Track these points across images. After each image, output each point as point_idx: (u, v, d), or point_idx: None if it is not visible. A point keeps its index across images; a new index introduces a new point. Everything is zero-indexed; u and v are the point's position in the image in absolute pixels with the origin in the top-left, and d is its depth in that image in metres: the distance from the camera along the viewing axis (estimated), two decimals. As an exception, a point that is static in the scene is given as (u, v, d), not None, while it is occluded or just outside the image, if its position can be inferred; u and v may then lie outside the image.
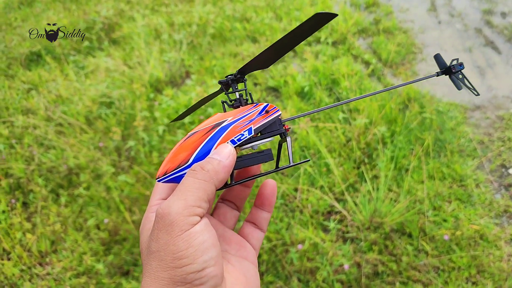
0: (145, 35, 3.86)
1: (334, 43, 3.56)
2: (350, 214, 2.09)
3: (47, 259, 2.20)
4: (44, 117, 3.05)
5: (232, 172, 0.60)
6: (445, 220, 2.00)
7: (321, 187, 2.25)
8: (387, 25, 3.70)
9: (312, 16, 0.49)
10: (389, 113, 2.52)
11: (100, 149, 2.72)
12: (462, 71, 0.77)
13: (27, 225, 2.36)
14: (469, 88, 0.77)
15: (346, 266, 1.80)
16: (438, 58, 0.79)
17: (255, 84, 3.24)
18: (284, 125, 0.63)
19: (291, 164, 0.63)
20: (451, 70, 0.76)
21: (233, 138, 0.55)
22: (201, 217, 0.48)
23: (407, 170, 2.26)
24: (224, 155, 0.53)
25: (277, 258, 1.93)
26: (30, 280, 2.11)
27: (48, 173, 2.62)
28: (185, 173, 0.55)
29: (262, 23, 3.91)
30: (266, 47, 0.56)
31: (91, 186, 2.48)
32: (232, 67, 3.39)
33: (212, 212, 0.65)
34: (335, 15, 0.51)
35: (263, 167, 2.41)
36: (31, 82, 3.55)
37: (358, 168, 2.34)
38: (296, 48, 3.58)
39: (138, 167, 2.52)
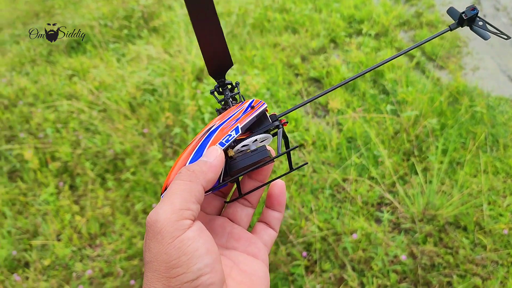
0: (184, 24, 3.87)
1: (376, 35, 3.52)
2: (401, 206, 2.07)
3: (97, 241, 2.23)
4: (88, 103, 3.09)
5: (238, 179, 0.59)
6: (501, 215, 1.96)
7: (371, 178, 2.24)
8: (429, 18, 3.64)
9: None
10: (439, 106, 2.48)
11: (145, 135, 2.75)
12: (478, 16, 0.66)
13: (75, 208, 2.39)
14: (495, 33, 0.65)
15: (403, 257, 1.79)
16: (451, 11, 0.69)
17: (296, 75, 3.23)
18: (280, 120, 0.60)
19: (290, 170, 0.62)
20: (463, 19, 0.66)
21: (221, 140, 0.53)
22: (193, 221, 0.46)
23: (458, 163, 2.23)
24: (210, 156, 0.51)
25: (330, 247, 1.92)
26: (81, 261, 2.15)
27: (94, 157, 2.65)
28: None
29: (302, 14, 3.89)
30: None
31: (137, 171, 2.50)
32: (273, 57, 3.38)
33: (221, 212, 0.63)
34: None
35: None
36: (73, 68, 3.60)
37: (408, 160, 2.31)
38: (337, 39, 3.55)
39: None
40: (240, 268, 0.54)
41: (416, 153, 2.32)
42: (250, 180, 0.61)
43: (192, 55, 3.37)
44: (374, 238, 1.92)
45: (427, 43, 3.12)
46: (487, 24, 0.65)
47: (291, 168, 0.62)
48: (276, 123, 0.58)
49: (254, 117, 0.55)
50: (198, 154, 0.53)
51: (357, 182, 2.24)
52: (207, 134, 0.54)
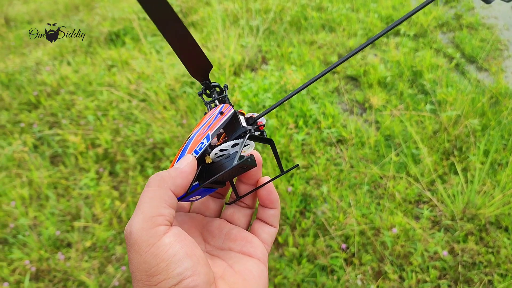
0: (221, 19, 3.92)
1: (415, 36, 3.50)
2: (441, 204, 2.07)
3: (136, 226, 2.28)
4: (127, 93, 3.16)
5: (232, 181, 0.59)
6: (544, 217, 1.94)
7: (409, 175, 2.23)
8: (469, 20, 3.61)
9: None
10: (480, 107, 2.46)
11: (183, 126, 2.80)
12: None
13: (115, 193, 2.45)
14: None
15: (444, 253, 1.78)
16: None
17: (333, 73, 3.23)
18: (258, 122, 0.58)
19: (281, 173, 0.61)
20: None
21: (195, 148, 0.53)
22: (169, 226, 0.46)
23: (500, 164, 2.21)
24: (181, 163, 0.51)
25: (369, 240, 1.93)
26: (120, 244, 2.20)
27: (134, 145, 2.72)
28: None
29: (339, 13, 3.89)
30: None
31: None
32: (309, 55, 3.40)
33: (220, 214, 0.63)
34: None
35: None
36: (112, 59, 3.68)
37: (447, 159, 2.30)
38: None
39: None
40: (234, 268, 0.54)
41: (455, 153, 2.31)
42: (242, 183, 0.61)
43: (230, 50, 3.41)
44: (413, 234, 1.92)
45: (467, 44, 3.10)
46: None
47: (282, 171, 0.61)
48: (248, 127, 0.55)
49: (222, 123, 0.54)
50: (179, 159, 0.54)
51: (395, 179, 2.24)
52: (187, 141, 0.55)
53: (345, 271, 1.84)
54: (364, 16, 3.82)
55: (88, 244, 2.19)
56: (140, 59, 3.57)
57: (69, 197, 2.46)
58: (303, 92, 2.94)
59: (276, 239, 2.05)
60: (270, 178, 0.59)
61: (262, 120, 0.59)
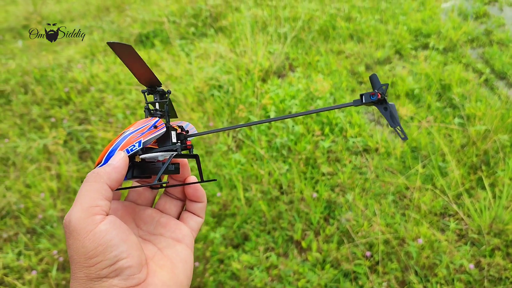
0: (250, 26, 3.96)
1: (444, 50, 3.49)
2: (467, 217, 2.06)
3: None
4: (156, 93, 3.21)
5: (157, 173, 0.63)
6: None
7: (436, 187, 2.23)
8: (500, 36, 3.58)
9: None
10: (510, 123, 2.44)
11: (209, 128, 2.83)
12: (385, 102, 0.57)
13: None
14: (395, 129, 0.57)
15: (471, 266, 1.77)
16: (372, 79, 0.59)
17: (360, 83, 3.24)
18: (188, 140, 0.64)
19: (200, 181, 0.65)
20: (361, 100, 0.58)
21: (127, 147, 0.58)
22: (105, 215, 0.50)
23: (528, 181, 2.19)
24: (114, 159, 0.55)
25: (393, 250, 1.93)
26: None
27: (161, 144, 2.76)
28: None
29: (367, 24, 3.91)
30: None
31: (202, 162, 2.58)
32: (336, 64, 3.41)
33: (154, 205, 0.68)
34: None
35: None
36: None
37: (475, 174, 2.29)
38: (403, 51, 3.55)
39: (247, 149, 2.60)
40: (163, 252, 0.58)
41: (483, 167, 2.29)
42: (172, 179, 0.66)
43: (258, 56, 3.45)
44: (438, 246, 1.91)
45: (497, 60, 3.08)
46: (391, 112, 0.57)
47: (202, 180, 0.65)
48: (176, 147, 0.61)
49: (154, 136, 0.59)
50: (112, 151, 0.58)
51: (421, 190, 2.23)
52: (121, 136, 0.59)
53: (368, 278, 1.84)
54: (393, 28, 3.83)
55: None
56: (169, 61, 3.63)
57: (96, 192, 2.50)
58: (330, 100, 2.95)
59: (299, 243, 2.06)
60: (196, 179, 0.64)
61: (191, 139, 0.65)
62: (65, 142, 2.90)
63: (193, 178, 0.65)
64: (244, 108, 2.88)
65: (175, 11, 4.52)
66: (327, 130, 2.66)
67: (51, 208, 2.38)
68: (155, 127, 0.60)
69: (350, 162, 2.45)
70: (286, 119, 2.74)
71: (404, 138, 0.57)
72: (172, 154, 0.60)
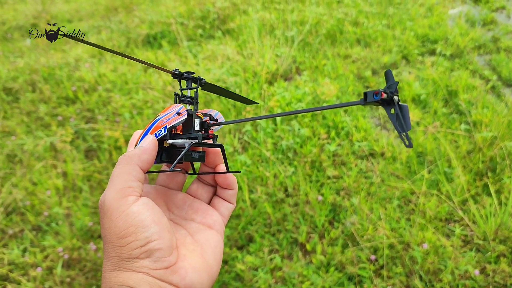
0: (257, 28, 3.98)
1: (451, 56, 3.49)
2: (472, 224, 2.05)
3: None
4: (162, 93, 3.23)
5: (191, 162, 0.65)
6: None
7: (441, 193, 2.23)
8: (507, 43, 3.58)
9: None
10: (518, 130, 2.44)
11: (216, 129, 2.84)
12: (394, 103, 0.51)
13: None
14: (399, 131, 0.51)
15: (476, 272, 1.77)
16: (387, 75, 0.53)
17: (367, 87, 3.25)
18: (210, 129, 0.64)
19: (226, 171, 0.65)
20: (365, 99, 0.52)
21: (156, 132, 0.60)
22: (138, 197, 0.51)
23: (534, 189, 2.18)
24: (144, 142, 0.57)
25: (398, 254, 1.93)
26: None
27: (167, 145, 2.77)
28: None
29: (375, 29, 3.91)
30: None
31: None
32: (343, 68, 3.42)
33: (185, 189, 0.69)
34: None
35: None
36: (149, 60, 3.76)
37: (480, 180, 2.28)
38: (409, 57, 3.55)
39: (252, 150, 2.60)
40: (194, 237, 0.59)
41: (489, 174, 2.29)
42: (203, 165, 0.67)
43: (265, 59, 3.46)
44: (443, 252, 1.91)
45: (504, 67, 3.08)
46: (399, 115, 0.50)
47: (227, 170, 0.66)
48: (197, 135, 0.61)
49: (177, 123, 0.60)
50: (146, 132, 0.62)
51: (426, 195, 2.23)
52: (153, 121, 0.61)
53: (372, 282, 1.84)
54: (400, 34, 3.83)
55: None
56: (176, 62, 3.64)
57: (101, 191, 2.52)
58: (337, 103, 2.95)
59: (303, 246, 2.06)
60: (224, 168, 0.65)
61: (214, 129, 0.65)
62: (72, 140, 2.91)
63: (222, 167, 0.65)
64: (251, 110, 2.88)
65: (183, 13, 4.54)
66: (333, 133, 2.66)
67: (56, 205, 2.39)
68: (178, 113, 0.61)
69: (355, 166, 2.45)
70: (293, 122, 2.75)
71: (409, 146, 0.50)
72: (192, 142, 0.61)
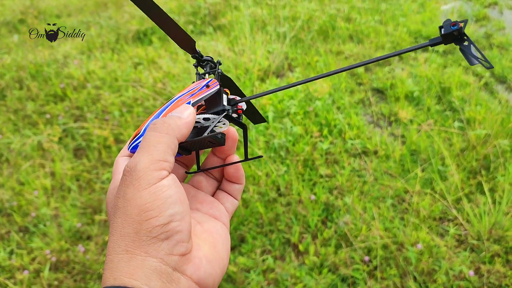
0: (249, 24, 3.93)
1: (444, 52, 3.47)
2: (466, 223, 2.03)
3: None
4: (153, 91, 3.18)
5: (197, 152, 0.61)
6: None
7: (435, 192, 2.21)
8: (500, 40, 3.57)
9: None
10: (511, 128, 2.42)
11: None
12: (465, 35, 0.51)
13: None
14: (480, 62, 0.51)
15: (471, 273, 1.75)
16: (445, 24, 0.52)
17: (359, 84, 3.22)
18: (237, 105, 0.60)
19: (245, 159, 0.62)
20: (449, 36, 0.50)
21: (173, 111, 0.54)
22: (169, 172, 0.47)
23: (528, 187, 2.17)
24: (183, 112, 0.52)
25: (392, 255, 1.90)
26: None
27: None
28: (139, 142, 0.55)
29: (367, 25, 3.88)
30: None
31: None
32: (335, 65, 3.38)
33: (187, 181, 0.64)
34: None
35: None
36: (139, 57, 3.71)
37: (474, 178, 2.27)
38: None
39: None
40: (203, 226, 0.55)
41: (483, 172, 2.27)
42: (213, 155, 0.63)
43: (257, 55, 3.42)
44: (437, 252, 1.89)
45: (497, 63, 3.06)
46: (472, 47, 0.52)
47: (246, 158, 0.62)
48: (226, 107, 0.57)
49: (205, 95, 0.56)
50: (156, 117, 0.55)
51: (420, 194, 2.21)
52: (168, 102, 0.56)
53: (366, 284, 1.82)
54: (392, 30, 3.81)
55: (108, 238, 2.19)
56: (167, 58, 3.59)
57: (91, 190, 2.47)
58: (329, 101, 2.92)
59: (296, 246, 2.03)
60: (239, 158, 0.61)
61: (243, 105, 0.61)
62: (60, 139, 2.85)
63: (234, 158, 0.61)
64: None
65: (173, 9, 4.48)
66: (325, 131, 2.63)
67: (44, 206, 2.34)
68: (207, 86, 0.57)
69: (348, 164, 2.42)
70: (285, 120, 2.71)
71: (490, 67, 0.52)
72: (224, 113, 0.56)
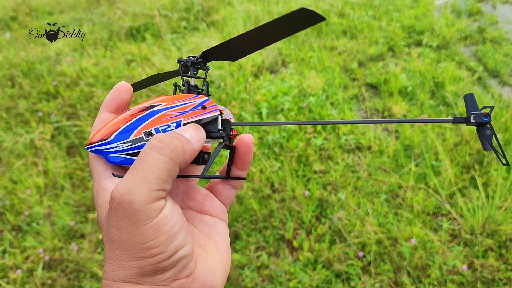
0: (242, 20, 3.91)
1: (437, 47, 3.47)
2: (460, 217, 2.04)
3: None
4: (146, 88, 3.16)
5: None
6: None
7: (428, 187, 2.21)
8: (493, 34, 3.57)
9: (297, 10, 0.41)
10: (504, 122, 2.43)
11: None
12: (490, 124, 0.53)
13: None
14: (495, 151, 0.54)
15: (464, 267, 1.75)
16: (468, 99, 0.55)
17: (353, 80, 3.21)
18: (233, 129, 0.54)
19: (226, 177, 0.56)
20: (469, 120, 0.53)
21: (157, 126, 0.49)
22: (165, 199, 0.43)
23: (521, 181, 2.18)
24: (195, 136, 0.46)
25: (386, 250, 1.90)
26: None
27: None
28: (104, 150, 0.50)
29: (361, 21, 3.88)
30: (239, 34, 0.48)
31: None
32: (329, 60, 3.38)
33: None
34: (322, 18, 0.42)
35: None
36: (132, 54, 3.69)
37: (467, 173, 2.27)
38: (396, 48, 3.52)
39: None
40: (199, 229, 0.52)
41: (476, 167, 2.28)
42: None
43: (250, 51, 3.40)
44: (431, 246, 1.89)
45: (490, 58, 3.06)
46: (494, 137, 0.53)
47: (228, 176, 0.56)
48: (223, 134, 0.52)
49: (200, 119, 0.50)
50: (129, 128, 0.49)
51: (414, 189, 2.21)
52: (147, 112, 0.49)
53: (360, 279, 1.82)
54: (386, 25, 3.80)
55: (101, 236, 2.18)
56: (160, 55, 3.57)
57: (84, 188, 2.46)
58: (323, 97, 2.92)
59: (290, 242, 2.03)
60: (252, 141, 0.55)
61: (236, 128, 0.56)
62: (53, 137, 2.84)
63: (249, 137, 0.55)
64: (236, 104, 2.84)
65: (166, 5, 4.45)
66: (319, 127, 2.63)
67: (37, 204, 2.33)
68: (204, 107, 0.50)
69: (342, 160, 2.42)
70: (279, 116, 2.71)
71: (506, 164, 0.53)
72: (221, 144, 0.51)
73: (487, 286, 1.74)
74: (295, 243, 2.00)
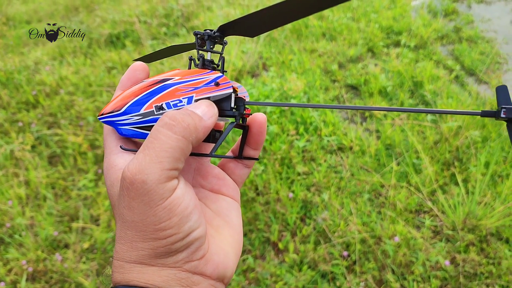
0: (223, 25, 3.92)
1: (415, 47, 3.53)
2: (442, 214, 2.07)
3: (135, 229, 2.26)
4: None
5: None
6: (544, 230, 1.95)
7: (410, 185, 2.24)
8: (468, 33, 3.65)
9: None
10: (481, 119, 2.48)
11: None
12: None
13: (114, 195, 2.43)
14: None
15: (447, 262, 1.78)
16: (500, 91, 0.50)
17: (333, 81, 3.25)
18: (246, 108, 0.53)
19: (237, 156, 0.55)
20: (499, 114, 0.49)
21: (169, 101, 0.48)
22: (178, 178, 0.43)
23: (500, 176, 2.22)
24: (207, 113, 0.45)
25: (370, 248, 1.93)
26: (119, 247, 2.18)
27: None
28: (115, 121, 0.49)
29: (340, 23, 3.92)
30: (261, 9, 0.45)
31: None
32: (310, 63, 3.41)
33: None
34: None
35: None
36: (113, 61, 3.67)
37: (448, 170, 2.31)
38: (375, 49, 3.57)
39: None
40: (212, 209, 0.51)
41: (456, 163, 2.32)
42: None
43: (231, 55, 3.42)
44: (414, 244, 1.92)
45: (467, 56, 3.12)
46: None
47: (241, 156, 0.55)
48: (236, 113, 0.50)
49: (213, 96, 0.48)
50: (141, 101, 0.48)
51: (396, 188, 2.24)
52: (160, 85, 0.48)
53: (346, 278, 1.84)
54: (364, 26, 3.85)
55: (86, 245, 2.17)
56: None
57: (67, 198, 2.44)
58: (304, 99, 2.94)
59: (276, 245, 2.04)
60: (265, 120, 0.54)
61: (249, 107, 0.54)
62: (34, 147, 2.81)
63: (262, 117, 0.53)
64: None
65: (146, 11, 4.44)
66: (301, 129, 2.65)
67: (19, 216, 2.30)
68: (217, 84, 0.49)
69: (325, 161, 2.44)
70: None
71: None
72: (233, 124, 0.49)
73: (469, 281, 1.78)
74: (280, 245, 2.01)
